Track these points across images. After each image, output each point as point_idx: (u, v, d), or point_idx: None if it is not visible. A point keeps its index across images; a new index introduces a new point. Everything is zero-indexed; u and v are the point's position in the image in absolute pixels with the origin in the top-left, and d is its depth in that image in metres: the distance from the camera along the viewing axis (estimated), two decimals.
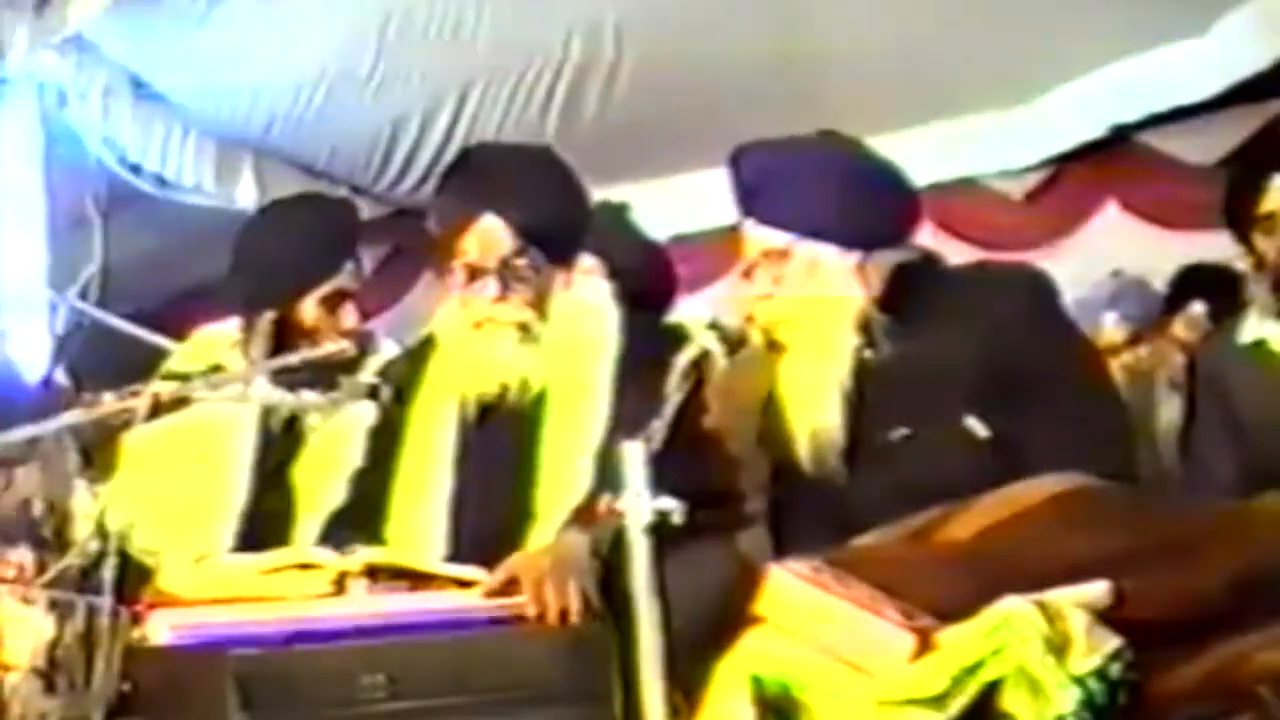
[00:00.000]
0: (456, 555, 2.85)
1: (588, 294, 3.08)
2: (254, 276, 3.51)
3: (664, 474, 2.36)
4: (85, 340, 6.17)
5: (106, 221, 6.57)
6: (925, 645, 2.25)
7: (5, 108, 6.35)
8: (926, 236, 3.46)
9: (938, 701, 2.23)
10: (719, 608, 2.51)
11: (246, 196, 6.84)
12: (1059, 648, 2.20)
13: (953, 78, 6.25)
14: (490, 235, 3.00)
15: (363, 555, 2.74)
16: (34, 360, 6.11)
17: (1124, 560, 2.33)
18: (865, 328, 2.89)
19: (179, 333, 3.89)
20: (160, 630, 2.60)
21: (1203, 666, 2.26)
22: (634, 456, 2.37)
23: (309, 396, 3.19)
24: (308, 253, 3.49)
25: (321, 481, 3.28)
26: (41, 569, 2.89)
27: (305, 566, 2.74)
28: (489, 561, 2.70)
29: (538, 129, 6.44)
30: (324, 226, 3.60)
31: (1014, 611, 2.23)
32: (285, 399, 3.24)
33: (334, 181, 6.99)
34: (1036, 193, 6.78)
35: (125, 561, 2.66)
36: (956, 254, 3.60)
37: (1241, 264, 3.68)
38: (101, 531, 2.69)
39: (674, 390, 2.73)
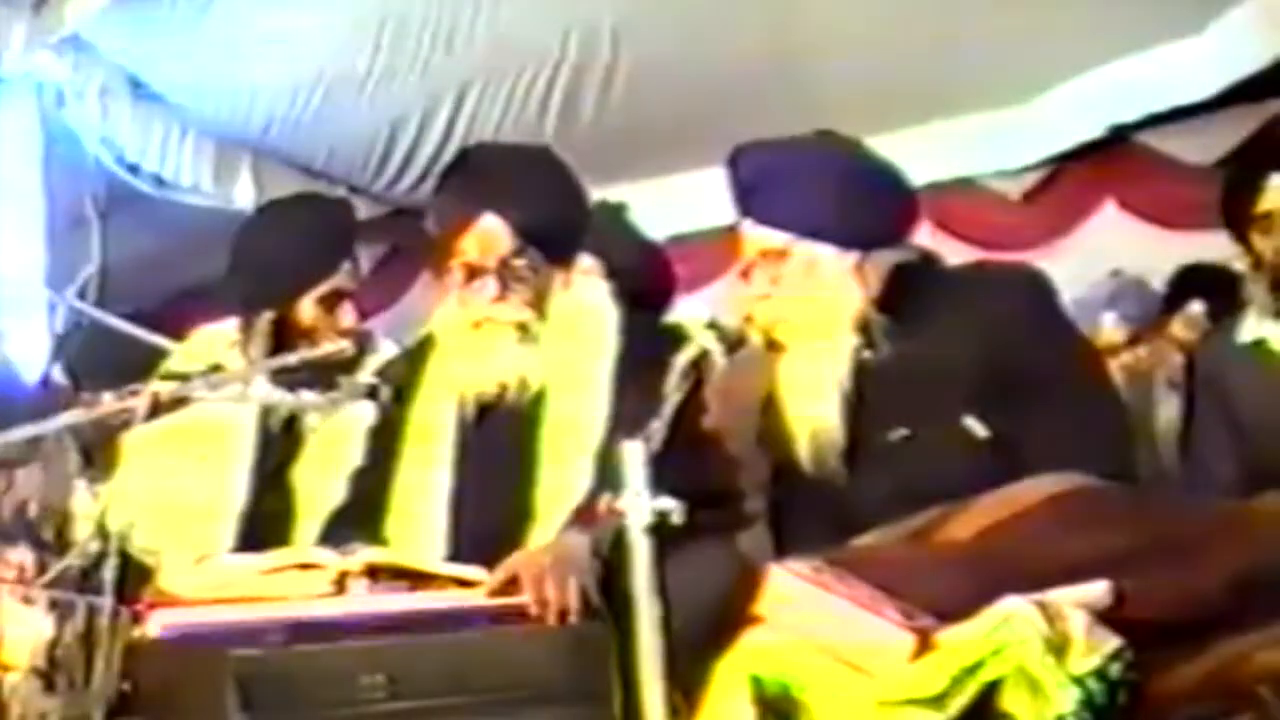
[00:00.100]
0: (456, 555, 2.85)
1: (587, 294, 3.08)
2: (252, 276, 3.52)
3: (664, 474, 2.36)
4: (84, 340, 6.17)
5: (105, 221, 6.57)
6: (925, 645, 2.25)
7: (3, 108, 6.35)
8: (925, 236, 3.46)
9: (937, 701, 2.23)
10: (719, 608, 2.51)
11: (244, 196, 6.84)
12: (1059, 648, 2.20)
13: (950, 77, 6.25)
14: (489, 235, 3.00)
15: (363, 555, 2.75)
16: (33, 360, 6.11)
17: (1124, 560, 2.33)
18: (864, 328, 2.89)
19: (178, 333, 3.89)
20: (160, 630, 2.60)
21: (1202, 666, 2.27)
22: (633, 456, 2.37)
23: (308, 396, 3.19)
24: (305, 253, 3.49)
25: (321, 481, 3.28)
26: (42, 569, 2.89)
27: (306, 566, 2.75)
28: (489, 561, 2.70)
29: (535, 129, 6.44)
30: (321, 226, 3.60)
31: (1014, 611, 2.23)
32: (284, 399, 3.24)
33: (332, 181, 7.00)
34: (1035, 192, 6.78)
35: (125, 561, 2.66)
36: (955, 254, 3.60)
37: (1240, 264, 3.68)
38: (102, 531, 2.69)
39: (673, 390, 2.73)
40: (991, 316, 2.87)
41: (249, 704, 2.43)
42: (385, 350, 3.45)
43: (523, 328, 3.00)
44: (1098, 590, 2.28)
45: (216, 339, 3.54)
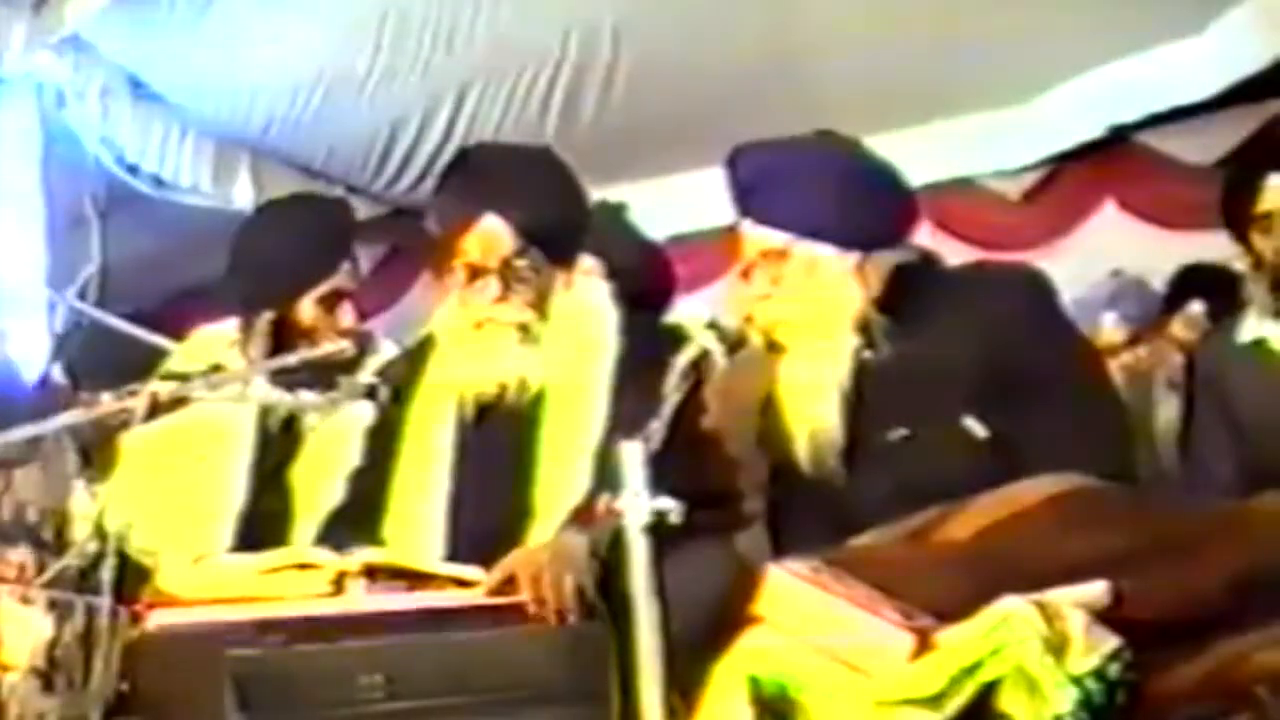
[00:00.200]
0: (455, 555, 2.85)
1: (588, 294, 3.09)
2: (251, 277, 3.52)
3: (662, 474, 2.36)
4: (84, 340, 6.16)
5: (105, 221, 6.56)
6: (924, 645, 2.25)
7: (3, 108, 6.34)
8: (924, 236, 3.45)
9: (935, 701, 2.23)
10: (717, 608, 2.51)
11: (244, 197, 6.84)
12: (1057, 648, 2.20)
13: (950, 77, 6.25)
14: (491, 235, 3.01)
15: (361, 555, 2.75)
16: (33, 360, 6.11)
17: (1123, 560, 2.33)
18: (864, 328, 2.89)
19: (177, 333, 3.89)
20: (159, 630, 2.60)
21: (1201, 667, 2.26)
22: (632, 456, 2.37)
23: (307, 396, 3.19)
24: (304, 253, 3.49)
25: (320, 481, 3.28)
26: (41, 569, 2.89)
27: (304, 566, 2.75)
28: (487, 561, 2.70)
29: (536, 129, 6.43)
30: (320, 227, 3.60)
31: (1012, 611, 2.23)
32: (284, 399, 3.25)
33: (331, 181, 6.99)
34: (1034, 192, 6.78)
35: (124, 561, 2.67)
36: (954, 254, 3.59)
37: (1240, 264, 3.67)
38: (100, 532, 2.69)
39: (672, 390, 2.72)
40: (991, 317, 2.87)
41: (247, 704, 2.43)
42: (385, 350, 3.44)
43: (524, 328, 3.01)
44: (1096, 590, 2.28)
45: (216, 339, 3.54)
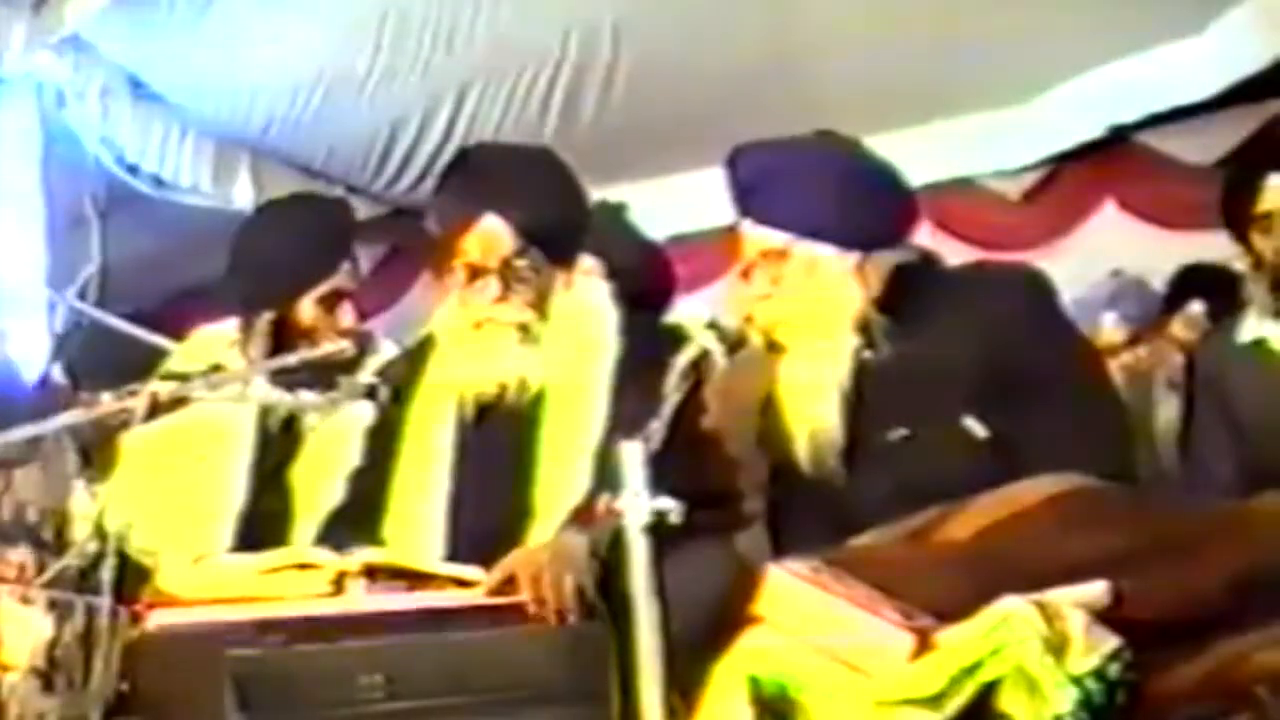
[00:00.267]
0: (455, 555, 2.85)
1: (588, 294, 3.08)
2: (251, 277, 3.52)
3: (662, 474, 2.36)
4: (84, 340, 6.16)
5: (105, 221, 6.56)
6: (924, 645, 2.25)
7: (3, 108, 6.34)
8: (925, 236, 3.46)
9: (935, 701, 2.23)
10: (717, 608, 2.51)
11: (244, 197, 6.84)
12: (1057, 648, 2.20)
13: (950, 77, 6.25)
14: (492, 235, 3.01)
15: (361, 555, 2.75)
16: (33, 360, 6.11)
17: (1123, 560, 2.33)
18: (864, 328, 2.89)
19: (177, 333, 3.89)
20: (159, 630, 2.60)
21: (1201, 667, 2.26)
22: (632, 456, 2.37)
23: (307, 396, 3.19)
24: (304, 253, 3.49)
25: (320, 481, 3.28)
26: (42, 569, 2.89)
27: (304, 566, 2.75)
28: (487, 561, 2.70)
29: (536, 129, 6.43)
30: (319, 226, 3.60)
31: (1012, 611, 2.23)
32: (284, 399, 3.24)
33: (331, 181, 6.99)
34: (1034, 192, 6.77)
35: (124, 561, 2.67)
36: (954, 254, 3.59)
37: (1240, 263, 3.67)
38: (100, 532, 2.69)
39: (672, 390, 2.72)
40: (991, 317, 2.87)
41: (247, 704, 2.43)
42: (385, 350, 3.44)
43: (524, 328, 3.01)
44: (1096, 590, 2.28)
45: (216, 339, 3.54)
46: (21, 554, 3.14)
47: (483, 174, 3.12)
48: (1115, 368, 4.49)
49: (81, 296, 6.41)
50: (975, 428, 2.80)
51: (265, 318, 3.44)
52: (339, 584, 2.70)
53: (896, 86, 6.14)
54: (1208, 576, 2.35)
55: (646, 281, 3.64)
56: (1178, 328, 4.93)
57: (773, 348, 2.97)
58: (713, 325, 3.00)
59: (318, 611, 2.63)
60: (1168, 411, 4.29)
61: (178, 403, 2.96)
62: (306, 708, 2.48)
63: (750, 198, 2.97)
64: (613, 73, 6.47)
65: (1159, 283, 5.57)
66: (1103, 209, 6.65)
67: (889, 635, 2.27)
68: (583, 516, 2.72)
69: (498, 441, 2.98)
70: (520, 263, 3.01)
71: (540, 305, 3.02)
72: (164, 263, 6.81)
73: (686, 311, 3.80)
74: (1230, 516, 2.63)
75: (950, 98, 6.45)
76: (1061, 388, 2.85)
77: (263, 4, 6.18)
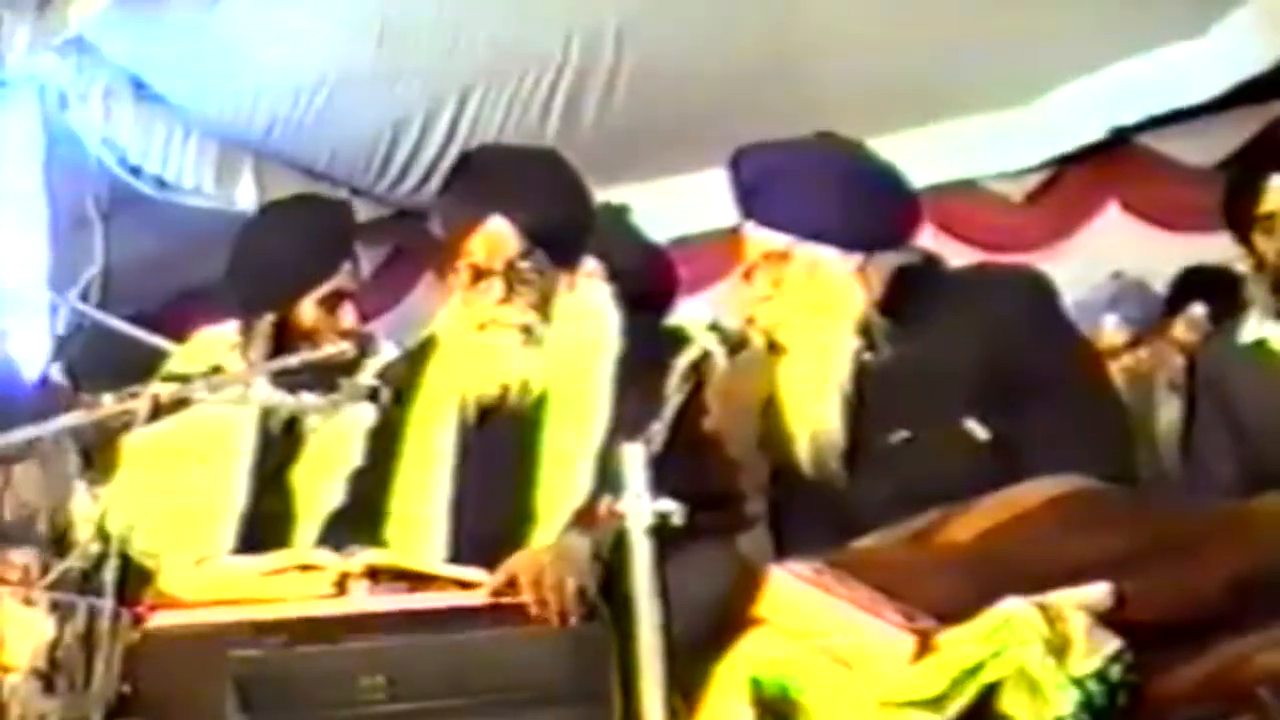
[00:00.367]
0: (457, 557, 2.85)
1: (590, 296, 3.08)
2: (252, 279, 3.51)
3: (664, 476, 2.36)
4: (85, 342, 6.16)
5: (107, 223, 6.57)
6: (925, 647, 2.25)
7: (6, 109, 6.34)
8: (927, 238, 3.45)
9: (937, 703, 2.23)
10: (719, 609, 2.51)
11: (246, 198, 6.84)
12: (1059, 649, 2.20)
13: (952, 79, 6.25)
14: (497, 237, 3.00)
15: (363, 557, 2.75)
16: (34, 361, 6.11)
17: (1124, 562, 2.33)
18: (865, 330, 2.89)
19: (179, 334, 3.88)
20: (161, 632, 2.60)
21: (1202, 668, 2.26)
22: (634, 458, 2.37)
23: (309, 398, 3.19)
24: (304, 254, 3.49)
25: (321, 483, 3.28)
26: (46, 570, 2.89)
27: (306, 568, 2.75)
28: (489, 563, 2.70)
29: (538, 132, 6.43)
30: (319, 228, 3.59)
31: (1014, 613, 2.23)
32: (285, 401, 3.24)
33: (334, 183, 6.99)
34: (1036, 194, 6.77)
35: (126, 563, 2.67)
36: (956, 256, 3.59)
37: (1242, 265, 3.67)
38: (102, 533, 2.69)
39: (674, 392, 2.73)
40: (993, 319, 2.87)
41: (249, 705, 2.44)
42: (386, 352, 3.44)
43: (527, 330, 3.00)
44: (1098, 592, 2.28)
45: (217, 341, 3.54)
46: (25, 555, 3.14)
47: (489, 175, 3.11)
48: (1116, 370, 4.49)
49: (83, 298, 6.41)
50: (976, 430, 2.80)
51: (266, 320, 3.44)
52: (341, 585, 2.70)
53: (898, 88, 6.14)
54: (1209, 578, 2.35)
55: (649, 283, 3.64)
56: (1179, 329, 4.93)
57: (774, 349, 2.97)
58: (714, 327, 3.00)
59: (320, 613, 2.63)
60: (1169, 413, 4.29)
61: (179, 404, 2.96)
62: (308, 709, 2.48)
63: (753, 199, 2.97)
64: (615, 76, 6.47)
65: (1161, 285, 5.57)
66: (1105, 211, 6.65)
67: (891, 637, 2.27)
68: (585, 518, 2.72)
69: (500, 443, 2.98)
70: (524, 264, 3.01)
71: (543, 307, 3.02)
72: (166, 264, 6.81)
73: (688, 313, 3.80)
74: (1231, 518, 2.63)
75: (952, 99, 6.44)
76: (1063, 390, 2.85)
77: (265, 6, 6.18)
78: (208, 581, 2.84)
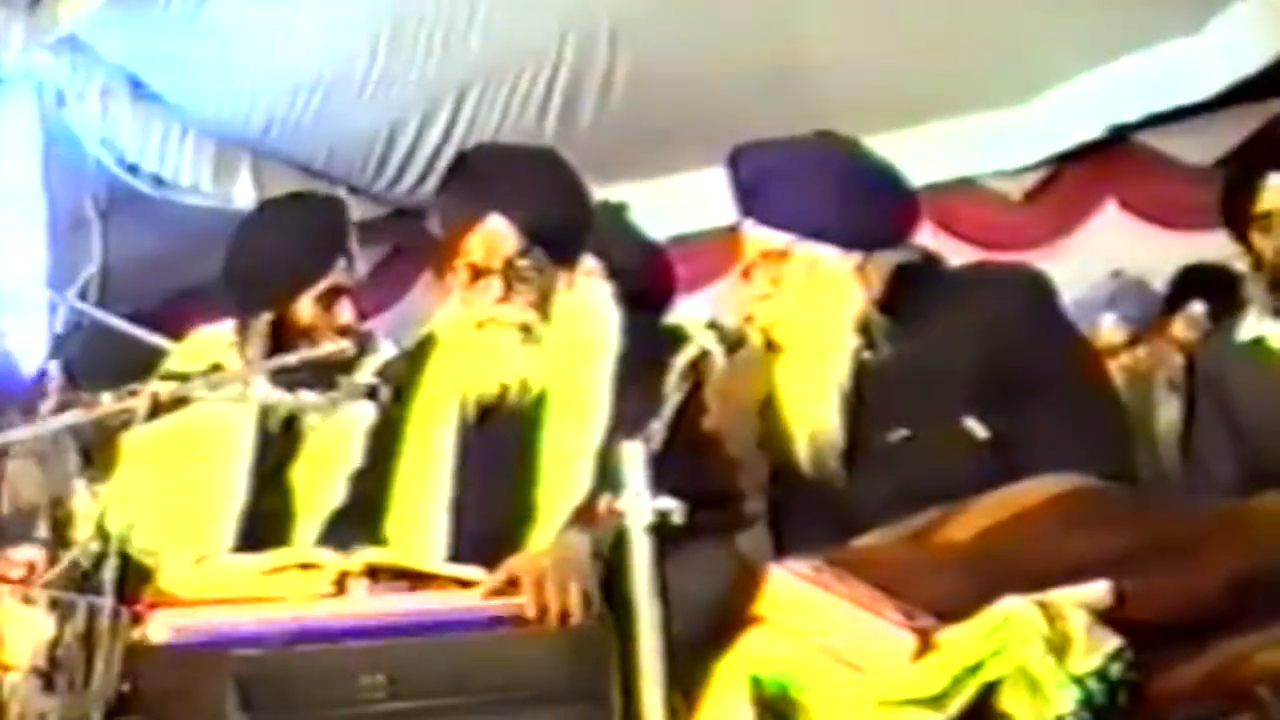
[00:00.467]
0: (457, 555, 2.85)
1: (589, 295, 3.08)
2: (248, 279, 3.50)
3: (664, 474, 2.36)
4: (84, 340, 6.16)
5: (105, 222, 6.57)
6: (926, 645, 2.25)
7: (3, 108, 6.35)
8: (926, 237, 3.45)
9: (937, 701, 2.23)
10: (719, 608, 2.51)
11: (244, 197, 6.84)
12: (1059, 648, 2.20)
13: (950, 77, 6.25)
14: (495, 235, 3.00)
15: (364, 555, 2.74)
16: (32, 360, 6.11)
17: (1124, 560, 2.33)
18: (865, 329, 2.89)
19: (177, 333, 3.88)
20: (161, 630, 2.60)
21: (1202, 667, 2.27)
22: (634, 457, 2.37)
23: (308, 396, 3.19)
24: (300, 252, 3.48)
25: (320, 481, 3.28)
26: (52, 564, 2.89)
27: (306, 566, 2.74)
28: (490, 562, 2.70)
29: (535, 131, 6.44)
30: (314, 225, 3.59)
31: (1014, 612, 2.23)
32: (284, 399, 3.24)
33: (332, 182, 6.99)
34: (1035, 192, 6.78)
35: (126, 562, 2.66)
36: (955, 254, 3.59)
37: (1240, 263, 3.67)
38: (102, 532, 2.69)
39: (673, 391, 2.72)
40: (992, 317, 2.87)
41: (249, 704, 2.44)
42: (385, 350, 3.44)
43: (526, 329, 3.00)
44: (1098, 590, 2.28)
45: (214, 340, 3.53)
46: (28, 553, 3.14)
47: (487, 174, 3.11)
48: (1115, 368, 4.50)
49: (82, 297, 6.41)
50: (976, 428, 2.80)
51: (263, 318, 3.43)
52: (341, 584, 2.69)
53: (897, 87, 6.15)
54: (1209, 576, 2.35)
55: (647, 282, 3.63)
56: (1179, 328, 4.94)
57: (773, 348, 2.97)
58: (713, 325, 2.99)
59: (320, 612, 2.63)
60: (1168, 412, 4.29)
61: (178, 403, 2.96)
62: (308, 708, 2.48)
63: (751, 198, 2.97)
64: (612, 74, 6.48)
65: (1159, 283, 5.58)
66: (1104, 209, 6.66)
67: (891, 635, 2.27)
68: (585, 517, 2.72)
69: (500, 442, 2.98)
70: (523, 263, 3.00)
71: (542, 305, 3.02)
72: (164, 263, 6.81)
73: (687, 312, 3.80)
74: (1231, 517, 2.63)
75: (951, 97, 6.45)
76: (1062, 388, 2.85)
77: (258, 5, 6.18)
78: (207, 580, 2.83)
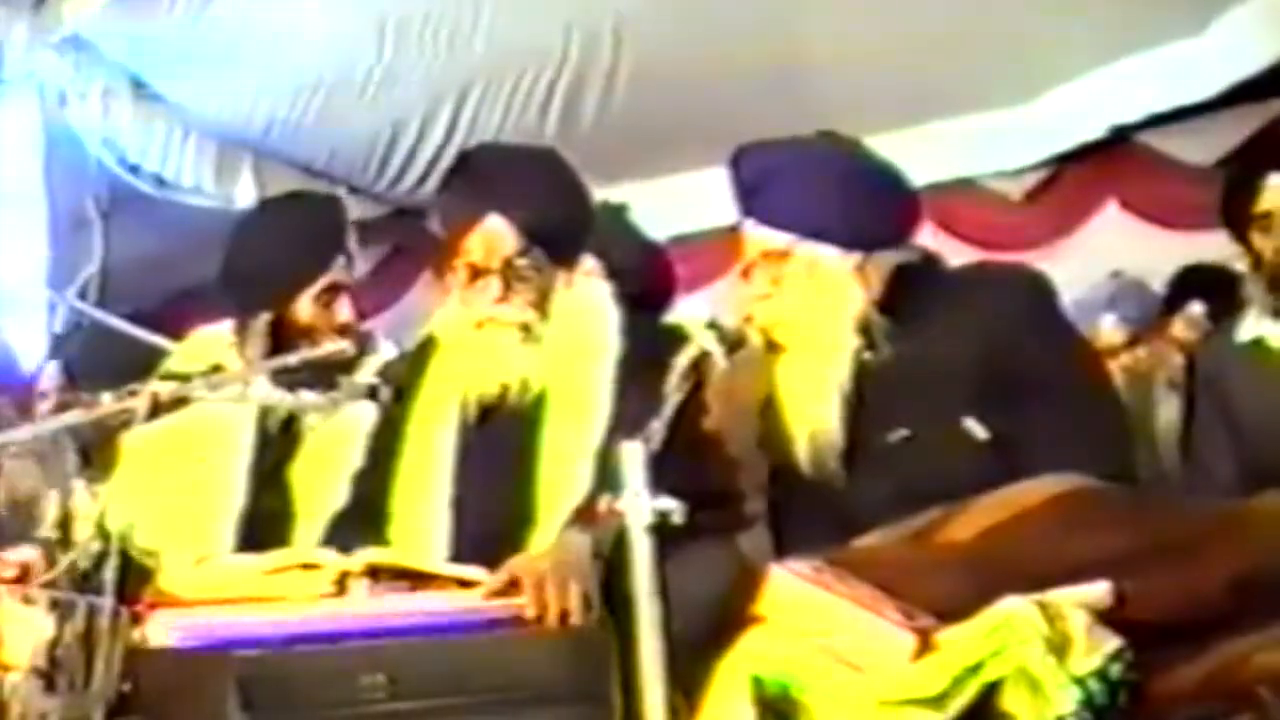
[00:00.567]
0: (458, 555, 2.85)
1: (589, 295, 3.08)
2: (246, 278, 3.50)
3: (664, 474, 2.36)
4: (84, 340, 6.17)
5: (106, 222, 6.57)
6: (926, 645, 2.25)
7: (5, 108, 6.35)
8: (927, 237, 3.45)
9: (937, 702, 2.23)
10: (719, 608, 2.51)
11: (246, 197, 6.85)
12: (1059, 648, 2.20)
13: (951, 78, 6.26)
14: (494, 235, 3.00)
15: (364, 555, 2.74)
16: (32, 359, 6.12)
17: (1124, 561, 2.33)
18: (865, 329, 2.89)
19: (177, 333, 3.88)
20: (161, 631, 2.60)
21: (1203, 667, 2.27)
22: (633, 457, 2.37)
23: (308, 397, 3.19)
24: (298, 251, 3.48)
25: (320, 482, 3.28)
26: (50, 565, 2.89)
27: (307, 567, 2.74)
28: (490, 562, 2.70)
29: (536, 130, 6.44)
30: (312, 224, 3.58)
31: (1014, 612, 2.23)
32: (284, 399, 3.24)
33: (333, 182, 6.99)
34: (1036, 193, 6.78)
35: (126, 562, 2.66)
36: (956, 254, 3.59)
37: (1240, 264, 3.67)
38: (102, 532, 2.69)
39: (673, 391, 2.72)
40: (992, 317, 2.87)
41: (249, 704, 2.43)
42: (385, 351, 3.44)
43: (525, 328, 3.00)
44: (1098, 591, 2.28)
45: (214, 340, 3.53)
46: (26, 554, 3.14)
47: (487, 174, 3.11)
48: (1115, 368, 4.49)
49: (82, 297, 6.42)
50: (976, 429, 2.80)
51: (263, 318, 3.43)
52: (342, 584, 2.69)
53: (897, 86, 6.15)
54: (1209, 577, 2.35)
55: (647, 281, 3.64)
56: (1178, 328, 4.94)
57: (773, 348, 2.97)
58: (713, 325, 2.99)
59: (321, 612, 2.63)
60: (1168, 412, 4.29)
61: (178, 403, 2.96)
62: (309, 708, 2.48)
63: (752, 198, 2.97)
64: (613, 75, 6.48)
65: (1159, 283, 5.58)
66: (1104, 209, 6.66)
67: (891, 635, 2.27)
68: (585, 517, 2.72)
69: (500, 442, 2.98)
70: (522, 262, 3.00)
71: (542, 305, 3.02)
72: (165, 263, 6.81)
73: (687, 311, 3.80)
74: (1231, 517, 2.63)
75: (951, 98, 6.45)
76: (1062, 389, 2.85)
77: (261, 6, 6.19)
78: (208, 580, 2.83)
